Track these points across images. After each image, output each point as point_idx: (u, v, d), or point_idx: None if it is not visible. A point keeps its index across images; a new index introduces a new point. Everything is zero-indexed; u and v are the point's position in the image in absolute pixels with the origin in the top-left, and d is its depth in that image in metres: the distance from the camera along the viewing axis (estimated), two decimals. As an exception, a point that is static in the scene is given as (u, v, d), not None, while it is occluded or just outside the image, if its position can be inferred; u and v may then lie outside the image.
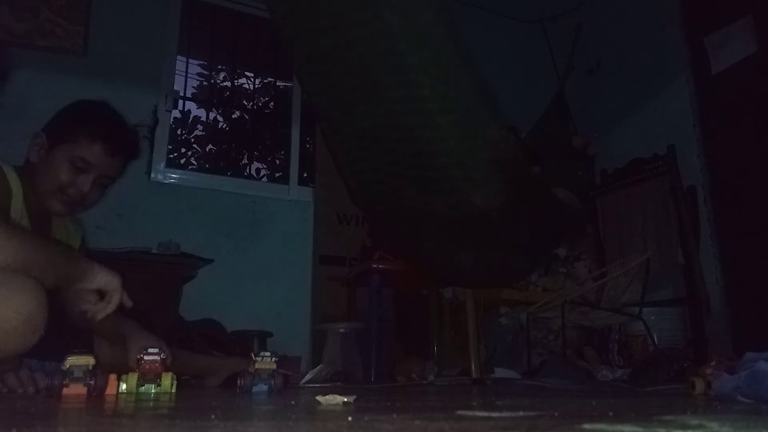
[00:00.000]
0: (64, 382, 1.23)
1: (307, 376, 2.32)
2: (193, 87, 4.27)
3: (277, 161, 4.38)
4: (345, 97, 2.20)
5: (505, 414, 0.84)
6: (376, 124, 2.17)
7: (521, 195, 2.24)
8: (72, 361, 1.24)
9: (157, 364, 1.41)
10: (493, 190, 2.15)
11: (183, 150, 4.26)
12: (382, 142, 2.22)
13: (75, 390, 1.23)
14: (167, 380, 1.41)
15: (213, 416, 0.83)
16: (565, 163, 3.74)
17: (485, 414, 0.86)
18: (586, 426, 0.66)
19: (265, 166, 4.39)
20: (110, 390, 1.32)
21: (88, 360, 1.26)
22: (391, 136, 2.16)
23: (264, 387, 1.41)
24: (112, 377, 1.33)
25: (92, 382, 1.25)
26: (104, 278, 1.38)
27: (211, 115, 4.45)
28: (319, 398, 1.05)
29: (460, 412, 0.88)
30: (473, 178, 2.16)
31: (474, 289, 2.85)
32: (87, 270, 1.36)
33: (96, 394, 1.26)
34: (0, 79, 1.55)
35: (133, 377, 1.38)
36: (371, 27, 1.90)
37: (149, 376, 1.40)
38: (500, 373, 2.77)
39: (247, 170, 4.29)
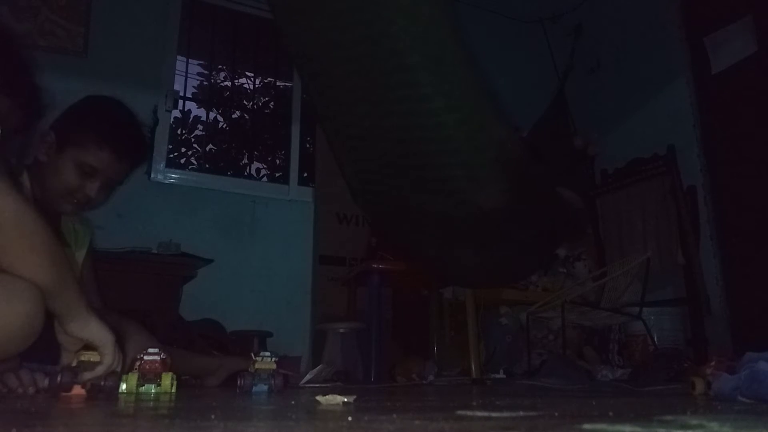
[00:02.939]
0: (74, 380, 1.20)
1: (307, 376, 2.32)
2: (193, 87, 4.28)
3: (277, 161, 4.38)
4: (346, 97, 2.19)
5: (505, 414, 0.84)
6: (377, 124, 2.16)
7: (525, 194, 2.23)
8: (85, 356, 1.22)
9: (157, 364, 1.41)
10: (496, 190, 2.14)
11: (183, 150, 4.26)
12: (383, 142, 2.21)
13: (76, 390, 1.23)
14: (167, 380, 1.41)
15: (213, 416, 0.83)
16: (567, 163, 3.74)
17: (485, 414, 0.86)
18: (586, 426, 0.66)
19: (265, 166, 4.39)
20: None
21: (97, 357, 1.22)
22: (392, 136, 2.15)
23: (264, 387, 1.40)
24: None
25: (103, 383, 1.22)
26: (98, 333, 1.20)
27: (211, 115, 4.45)
28: (319, 398, 1.05)
29: (460, 412, 0.88)
30: (477, 177, 2.14)
31: (475, 289, 2.84)
32: (84, 314, 1.19)
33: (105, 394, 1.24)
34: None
35: (133, 377, 1.38)
36: (372, 26, 1.90)
37: (149, 376, 1.40)
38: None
39: (247, 170, 4.29)
